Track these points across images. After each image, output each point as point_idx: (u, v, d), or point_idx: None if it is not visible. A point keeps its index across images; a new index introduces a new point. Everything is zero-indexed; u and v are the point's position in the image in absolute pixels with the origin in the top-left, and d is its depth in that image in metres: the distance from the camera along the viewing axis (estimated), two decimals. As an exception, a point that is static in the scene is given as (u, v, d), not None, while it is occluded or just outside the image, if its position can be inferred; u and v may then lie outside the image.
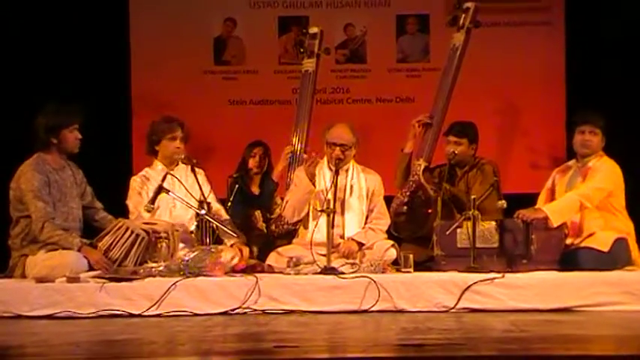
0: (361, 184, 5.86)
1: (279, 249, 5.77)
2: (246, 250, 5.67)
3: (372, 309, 5.01)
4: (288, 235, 5.95)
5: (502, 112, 7.32)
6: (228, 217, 5.86)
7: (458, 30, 6.40)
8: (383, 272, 5.29)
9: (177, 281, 5.04)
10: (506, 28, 7.33)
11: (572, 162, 5.89)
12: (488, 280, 5.07)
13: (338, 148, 5.75)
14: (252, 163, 6.40)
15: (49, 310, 4.98)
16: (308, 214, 5.78)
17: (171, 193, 5.63)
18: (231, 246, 5.63)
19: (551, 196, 5.85)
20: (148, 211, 5.56)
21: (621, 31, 7.02)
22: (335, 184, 5.62)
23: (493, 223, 5.47)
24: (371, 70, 7.44)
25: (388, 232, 5.95)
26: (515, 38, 7.33)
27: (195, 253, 5.26)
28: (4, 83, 6.97)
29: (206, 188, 5.71)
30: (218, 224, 5.56)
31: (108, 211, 5.72)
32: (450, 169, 6.20)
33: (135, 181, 5.83)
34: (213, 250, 5.31)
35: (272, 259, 5.68)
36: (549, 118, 7.25)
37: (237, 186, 6.28)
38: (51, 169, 5.49)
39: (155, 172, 5.81)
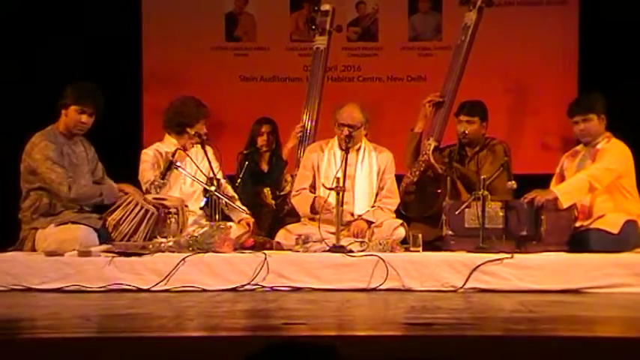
0: (372, 163, 5.85)
1: (288, 226, 5.78)
2: (253, 224, 5.69)
3: (380, 287, 5.00)
4: (298, 213, 5.96)
5: (513, 92, 7.27)
6: (234, 194, 5.87)
7: (470, 9, 6.36)
8: (392, 251, 5.28)
9: (186, 257, 5.05)
10: (519, 7, 7.26)
11: (580, 146, 5.86)
12: (497, 260, 5.06)
13: (347, 128, 5.74)
14: (260, 141, 6.39)
15: (58, 284, 5.00)
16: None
17: (181, 168, 5.63)
18: (239, 222, 5.65)
19: (561, 181, 5.82)
20: (159, 187, 5.56)
21: (635, 11, 6.95)
22: (345, 162, 5.61)
23: (500, 203, 5.45)
24: (382, 49, 7.39)
25: (397, 211, 5.95)
26: (528, 17, 7.25)
27: (205, 229, 5.27)
28: (16, 56, 6.95)
29: (214, 165, 5.71)
30: (227, 201, 5.57)
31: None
32: (461, 149, 6.19)
33: (146, 154, 5.82)
34: (222, 226, 5.32)
35: (281, 237, 5.69)
36: (561, 98, 7.16)
37: (246, 163, 6.28)
38: (63, 141, 5.47)
39: (167, 147, 5.81)
